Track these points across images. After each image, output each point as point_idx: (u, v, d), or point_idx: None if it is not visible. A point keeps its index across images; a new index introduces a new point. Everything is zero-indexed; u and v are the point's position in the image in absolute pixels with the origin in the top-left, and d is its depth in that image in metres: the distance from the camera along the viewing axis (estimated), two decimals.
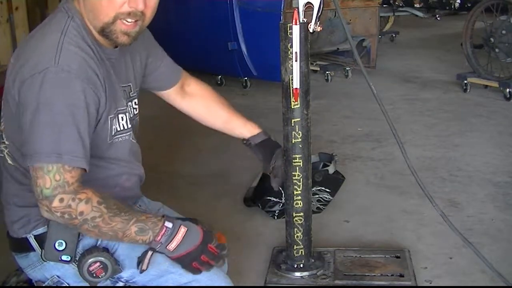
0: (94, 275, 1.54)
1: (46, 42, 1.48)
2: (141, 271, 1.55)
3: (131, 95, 1.70)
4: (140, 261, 1.55)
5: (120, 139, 1.63)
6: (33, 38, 1.54)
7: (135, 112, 1.73)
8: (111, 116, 1.58)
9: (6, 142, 1.59)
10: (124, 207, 1.50)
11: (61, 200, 1.43)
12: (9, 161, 1.59)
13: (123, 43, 1.56)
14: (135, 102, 1.73)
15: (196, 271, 1.56)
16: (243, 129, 2.06)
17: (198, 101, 2.00)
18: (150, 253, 1.54)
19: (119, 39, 1.54)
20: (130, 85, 1.69)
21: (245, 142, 2.06)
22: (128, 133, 1.66)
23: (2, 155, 1.61)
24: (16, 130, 1.52)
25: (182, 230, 1.53)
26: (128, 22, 1.52)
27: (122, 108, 1.62)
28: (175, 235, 1.52)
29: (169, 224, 1.51)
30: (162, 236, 1.50)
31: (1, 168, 1.63)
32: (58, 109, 1.43)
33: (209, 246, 1.56)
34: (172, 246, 1.52)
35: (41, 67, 1.43)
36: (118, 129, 1.61)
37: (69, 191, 1.43)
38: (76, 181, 1.45)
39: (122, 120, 1.62)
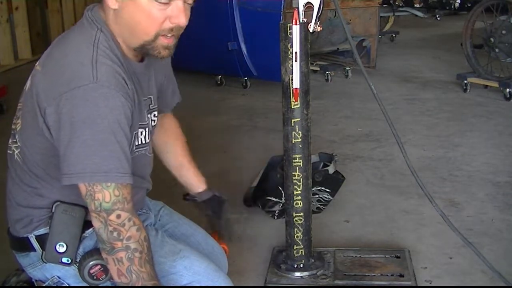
0: (95, 277, 1.54)
1: (80, 55, 1.43)
2: None
3: (151, 107, 1.65)
4: None
5: (137, 153, 1.59)
6: (63, 48, 1.49)
7: (153, 124, 1.69)
8: (135, 131, 1.55)
9: (19, 144, 1.56)
10: (152, 261, 1.49)
11: (118, 216, 1.43)
12: (19, 162, 1.57)
13: (163, 57, 1.52)
14: (154, 114, 1.68)
15: None
16: (191, 180, 1.95)
17: (159, 132, 1.88)
18: None
19: (161, 54, 1.50)
20: (151, 98, 1.64)
21: (188, 197, 1.96)
22: (146, 148, 1.63)
23: (11, 152, 1.59)
24: (32, 136, 1.50)
25: None
26: (169, 36, 1.49)
27: (143, 123, 1.59)
28: None
29: None
30: None
31: (9, 165, 1.61)
32: (103, 126, 1.39)
33: None
34: None
35: (79, 82, 1.39)
36: (137, 143, 1.58)
37: (127, 209, 1.43)
38: (131, 199, 1.45)
39: (141, 134, 1.59)
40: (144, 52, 1.53)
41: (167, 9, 1.45)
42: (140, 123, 1.57)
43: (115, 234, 1.42)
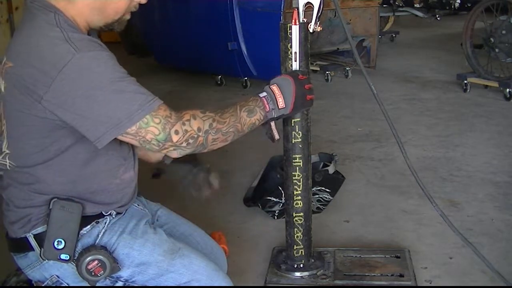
0: (93, 273, 1.54)
1: (51, 38, 1.46)
2: (276, 141, 1.83)
3: None
4: (269, 136, 1.80)
5: None
6: (28, 39, 1.50)
7: None
8: None
9: (7, 151, 1.57)
10: (217, 108, 1.61)
11: (176, 132, 1.49)
12: (13, 167, 1.57)
13: (121, 30, 1.65)
14: None
15: (310, 102, 1.84)
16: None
17: None
18: (272, 123, 1.78)
19: (121, 28, 1.63)
20: None
21: (156, 171, 1.96)
22: None
23: (2, 163, 1.59)
24: (25, 129, 1.51)
25: (275, 88, 1.74)
26: (131, 12, 1.62)
27: None
28: (275, 95, 1.72)
29: (263, 94, 1.71)
30: (267, 104, 1.69)
31: (3, 177, 1.62)
32: (108, 79, 1.44)
33: (300, 77, 1.80)
34: (280, 104, 1.72)
35: (64, 60, 1.42)
36: None
37: (174, 121, 1.49)
38: (171, 111, 1.50)
39: None
40: (107, 27, 1.61)
41: None
42: None
43: (191, 141, 1.52)
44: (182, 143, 1.50)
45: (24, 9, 1.58)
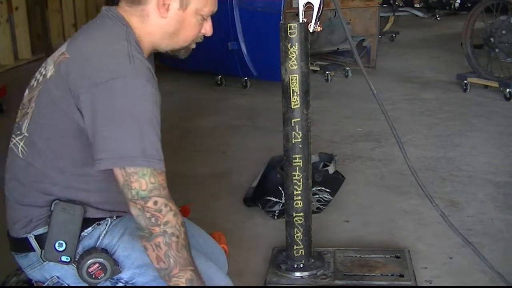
0: (93, 276, 1.54)
1: (115, 48, 1.51)
2: None
3: None
4: None
5: None
6: (93, 40, 1.54)
7: None
8: None
9: (25, 134, 1.58)
10: (189, 246, 1.52)
11: (155, 202, 1.45)
12: (24, 154, 1.57)
13: (184, 57, 1.73)
14: None
15: None
16: None
17: None
18: None
19: (186, 55, 1.73)
20: None
21: None
22: None
23: (15, 146, 1.59)
24: (52, 119, 1.52)
25: None
26: (197, 42, 1.71)
27: None
28: None
29: None
30: None
31: (11, 166, 1.61)
32: (140, 115, 1.45)
33: None
34: None
35: (117, 74, 1.45)
36: None
37: (164, 195, 1.47)
38: (167, 186, 1.48)
39: None
40: (168, 53, 1.68)
41: (203, 22, 1.70)
42: None
43: (152, 220, 1.46)
44: (148, 213, 1.45)
45: (99, 16, 1.62)
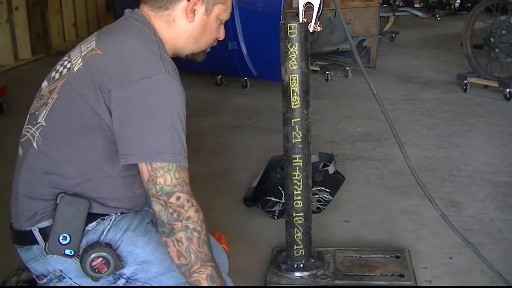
0: (97, 270, 1.55)
1: (150, 49, 1.57)
2: None
3: None
4: None
5: None
6: (125, 37, 1.59)
7: None
8: None
9: (43, 123, 1.59)
10: (210, 243, 1.56)
11: (178, 198, 1.50)
12: (39, 144, 1.58)
13: (200, 60, 1.78)
14: None
15: None
16: None
17: None
18: None
19: (202, 58, 1.78)
20: None
21: None
22: None
23: (29, 136, 1.60)
24: (72, 111, 1.54)
25: None
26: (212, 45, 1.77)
27: None
28: None
29: None
30: None
31: (23, 159, 1.62)
32: (172, 113, 1.51)
33: None
34: None
35: (151, 73, 1.51)
36: None
37: (186, 191, 1.52)
38: (189, 182, 1.53)
39: None
40: (188, 57, 1.74)
41: (219, 26, 1.74)
42: None
43: (175, 215, 1.49)
44: (171, 208, 1.49)
45: (123, 18, 1.68)
